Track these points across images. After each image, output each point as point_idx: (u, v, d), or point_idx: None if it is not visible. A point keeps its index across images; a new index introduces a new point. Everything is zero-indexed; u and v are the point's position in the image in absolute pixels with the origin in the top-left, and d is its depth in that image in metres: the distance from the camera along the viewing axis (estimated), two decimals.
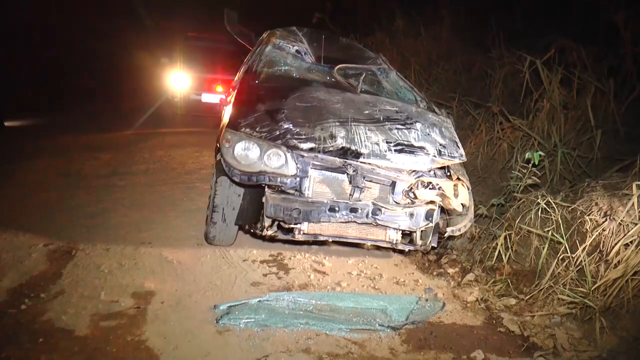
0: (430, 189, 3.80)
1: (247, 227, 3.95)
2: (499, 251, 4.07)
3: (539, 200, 3.96)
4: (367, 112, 4.15)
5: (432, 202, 3.78)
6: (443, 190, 3.80)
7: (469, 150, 6.09)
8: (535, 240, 3.96)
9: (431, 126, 4.24)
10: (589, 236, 3.51)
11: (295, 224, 3.67)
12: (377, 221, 3.67)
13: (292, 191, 3.62)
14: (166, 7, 16.92)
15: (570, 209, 3.82)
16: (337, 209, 3.61)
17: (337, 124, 3.86)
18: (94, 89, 15.12)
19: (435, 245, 4.03)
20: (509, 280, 3.91)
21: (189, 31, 11.88)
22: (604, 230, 3.45)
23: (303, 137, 3.68)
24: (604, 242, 3.43)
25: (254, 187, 3.76)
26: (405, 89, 5.17)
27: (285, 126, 3.74)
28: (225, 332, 3.02)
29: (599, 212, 3.57)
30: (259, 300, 3.41)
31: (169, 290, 3.47)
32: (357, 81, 4.78)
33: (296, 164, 3.60)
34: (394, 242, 3.88)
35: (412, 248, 3.95)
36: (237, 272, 3.88)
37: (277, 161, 3.58)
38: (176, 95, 11.02)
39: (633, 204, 3.39)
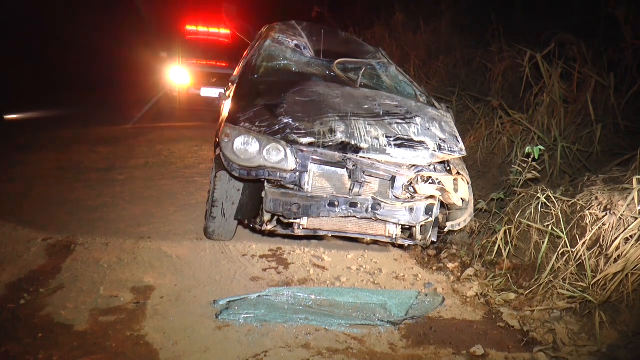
0: (430, 183, 3.80)
1: (246, 221, 3.94)
2: (499, 246, 4.07)
3: (538, 195, 3.95)
4: (366, 106, 4.14)
5: (431, 196, 3.78)
6: (443, 185, 3.79)
7: (468, 145, 6.08)
8: (535, 235, 3.95)
9: (431, 120, 4.23)
10: (589, 230, 3.50)
11: (295, 218, 3.67)
12: (377, 216, 3.67)
13: (291, 186, 3.62)
14: (165, 2, 16.87)
15: (570, 203, 3.81)
16: (336, 203, 3.60)
17: (337, 118, 3.86)
18: (92, 82, 15.09)
19: (435, 240, 4.04)
20: (508, 275, 3.91)
21: (188, 25, 11.85)
22: (604, 224, 3.44)
23: (302, 131, 3.67)
24: (604, 236, 3.42)
25: (254, 181, 3.76)
26: (404, 83, 5.16)
27: (285, 121, 3.73)
28: (224, 327, 3.02)
29: (599, 207, 3.56)
30: (259, 296, 3.40)
31: (169, 285, 3.47)
32: (356, 75, 4.78)
33: (296, 158, 3.59)
34: (394, 236, 3.88)
35: (411, 243, 3.95)
36: (237, 267, 3.87)
37: (277, 156, 3.57)
38: (175, 90, 11.00)
39: (633, 198, 3.38)
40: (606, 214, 3.46)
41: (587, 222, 3.55)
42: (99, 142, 7.96)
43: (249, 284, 3.63)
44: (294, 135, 3.63)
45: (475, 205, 4.27)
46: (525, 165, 4.27)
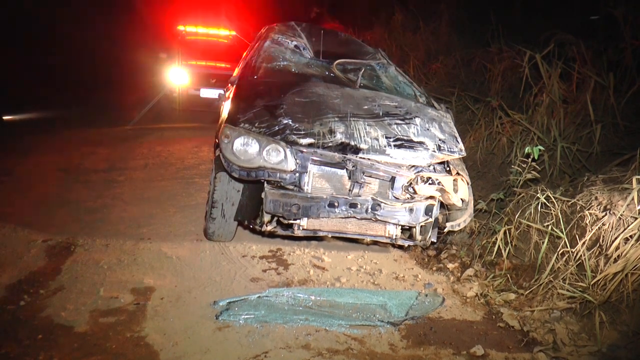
0: (429, 184, 3.80)
1: (246, 222, 3.94)
2: (499, 246, 4.07)
3: (538, 195, 3.95)
4: (366, 107, 4.14)
5: (431, 197, 3.78)
6: (442, 185, 3.79)
7: (468, 145, 6.08)
8: (535, 235, 3.96)
9: (430, 121, 4.23)
10: (589, 230, 3.50)
11: (295, 219, 3.67)
12: (377, 216, 3.67)
13: (291, 187, 3.62)
14: (164, 2, 16.86)
15: (569, 203, 3.81)
16: (336, 204, 3.60)
17: (337, 119, 3.86)
18: (92, 83, 15.08)
19: (435, 241, 4.04)
20: (508, 275, 3.91)
21: (188, 26, 11.85)
22: (603, 224, 3.44)
23: (302, 132, 3.67)
24: (603, 236, 3.42)
25: (253, 182, 3.76)
26: (404, 83, 5.16)
27: (285, 121, 3.73)
28: (224, 328, 3.02)
29: (598, 207, 3.57)
30: (259, 296, 3.40)
31: (169, 286, 3.47)
32: (356, 76, 4.78)
33: (295, 159, 3.59)
34: (394, 237, 3.88)
35: (411, 243, 3.95)
36: (237, 268, 3.87)
37: (276, 157, 3.57)
38: (175, 91, 10.99)
39: (633, 198, 3.38)
40: (606, 214, 3.46)
41: (587, 222, 3.55)
42: (99, 143, 7.95)
43: (249, 285, 3.63)
44: (293, 136, 3.63)
45: (475, 206, 4.27)
46: (524, 166, 4.27)
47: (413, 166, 3.80)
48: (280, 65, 4.91)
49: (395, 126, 3.98)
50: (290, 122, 3.73)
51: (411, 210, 3.73)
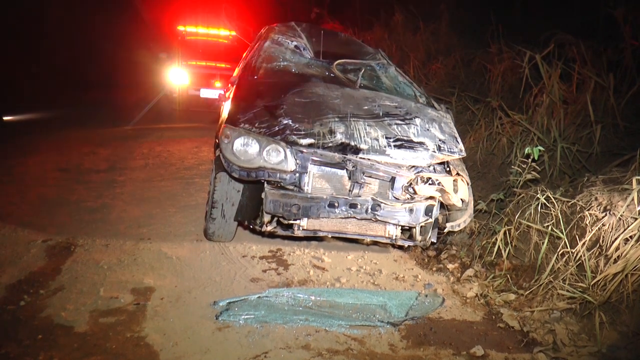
0: (429, 184, 3.80)
1: (246, 223, 3.94)
2: (499, 246, 4.07)
3: (538, 195, 3.95)
4: (366, 107, 4.14)
5: (431, 197, 3.78)
6: (442, 186, 3.79)
7: (468, 146, 6.08)
8: (535, 236, 3.95)
9: (430, 121, 4.24)
10: (589, 231, 3.50)
11: (295, 219, 3.67)
12: (377, 217, 3.67)
13: (291, 187, 3.62)
14: (164, 2, 16.87)
15: (569, 203, 3.81)
16: (336, 204, 3.60)
17: (337, 119, 3.86)
18: (92, 83, 15.09)
19: (435, 241, 4.04)
20: (508, 276, 3.91)
21: (188, 26, 11.86)
22: (603, 225, 3.44)
23: (302, 132, 3.67)
24: (603, 237, 3.42)
25: (253, 182, 3.76)
26: (404, 84, 5.16)
27: (285, 122, 3.73)
28: (224, 328, 3.02)
29: (598, 207, 3.56)
30: (259, 297, 3.40)
31: (169, 286, 3.47)
32: (356, 76, 4.79)
33: (295, 159, 3.59)
34: (394, 237, 3.88)
35: (411, 244, 3.95)
36: (237, 268, 3.87)
37: (277, 157, 3.57)
38: (175, 91, 10.99)
39: (633, 199, 3.38)
40: (606, 215, 3.46)
41: (587, 222, 3.55)
42: (99, 143, 7.96)
43: (249, 285, 3.63)
44: (293, 137, 3.63)
45: (475, 206, 4.28)
46: (524, 166, 4.27)
47: (413, 166, 3.80)
48: (280, 65, 4.92)
49: (395, 126, 3.98)
50: (290, 123, 3.73)
51: (411, 210, 3.73)
